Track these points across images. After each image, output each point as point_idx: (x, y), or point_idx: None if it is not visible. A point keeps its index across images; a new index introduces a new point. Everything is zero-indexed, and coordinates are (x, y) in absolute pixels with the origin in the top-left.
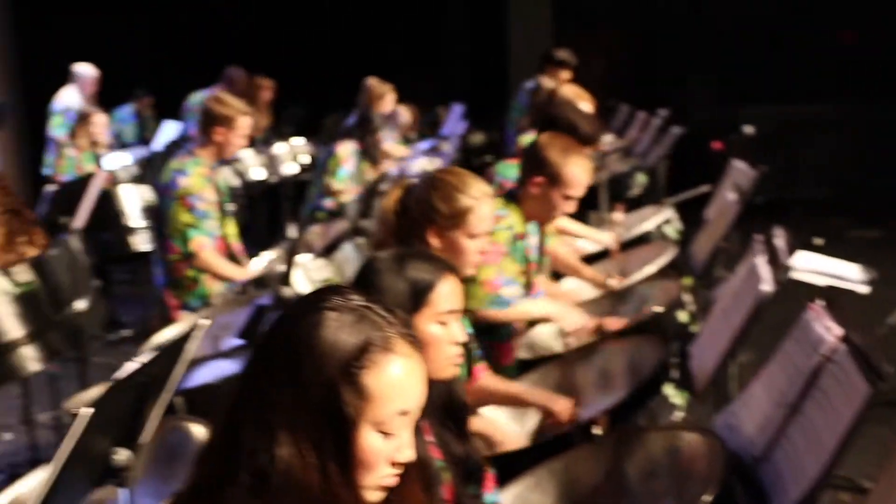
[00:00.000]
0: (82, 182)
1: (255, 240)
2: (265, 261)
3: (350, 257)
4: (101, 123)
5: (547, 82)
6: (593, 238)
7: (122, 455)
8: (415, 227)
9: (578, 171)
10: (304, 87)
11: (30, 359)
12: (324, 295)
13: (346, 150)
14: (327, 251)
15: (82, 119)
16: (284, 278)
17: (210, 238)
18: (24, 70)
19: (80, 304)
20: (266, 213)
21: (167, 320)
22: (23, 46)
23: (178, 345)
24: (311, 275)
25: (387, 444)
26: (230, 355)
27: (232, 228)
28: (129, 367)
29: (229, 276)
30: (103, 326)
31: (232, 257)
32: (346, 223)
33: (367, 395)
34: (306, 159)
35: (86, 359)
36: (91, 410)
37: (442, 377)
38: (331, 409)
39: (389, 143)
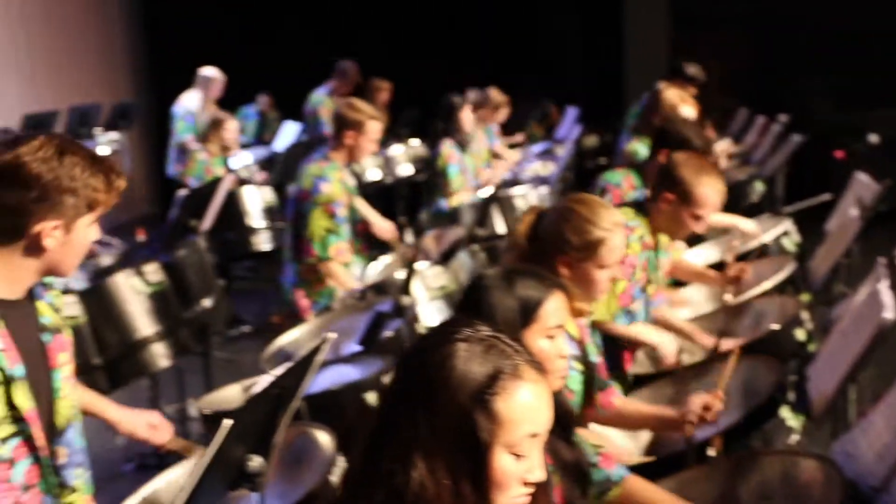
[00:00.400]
0: (211, 186)
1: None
2: (382, 265)
3: (465, 265)
4: (233, 129)
5: (667, 90)
6: (739, 226)
7: (255, 461)
8: (545, 256)
9: (710, 193)
10: (420, 89)
11: (160, 355)
12: (454, 327)
13: (447, 148)
14: (444, 258)
15: (215, 125)
16: (405, 287)
17: (346, 243)
18: (151, 72)
19: (207, 303)
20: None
21: (297, 319)
22: (150, 49)
23: (308, 358)
24: (427, 282)
25: (519, 466)
26: (350, 361)
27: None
28: (265, 379)
29: (349, 287)
30: (226, 323)
31: (359, 253)
32: (462, 229)
33: (499, 420)
34: (421, 161)
35: (209, 354)
36: (231, 422)
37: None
38: (465, 434)
39: (498, 145)
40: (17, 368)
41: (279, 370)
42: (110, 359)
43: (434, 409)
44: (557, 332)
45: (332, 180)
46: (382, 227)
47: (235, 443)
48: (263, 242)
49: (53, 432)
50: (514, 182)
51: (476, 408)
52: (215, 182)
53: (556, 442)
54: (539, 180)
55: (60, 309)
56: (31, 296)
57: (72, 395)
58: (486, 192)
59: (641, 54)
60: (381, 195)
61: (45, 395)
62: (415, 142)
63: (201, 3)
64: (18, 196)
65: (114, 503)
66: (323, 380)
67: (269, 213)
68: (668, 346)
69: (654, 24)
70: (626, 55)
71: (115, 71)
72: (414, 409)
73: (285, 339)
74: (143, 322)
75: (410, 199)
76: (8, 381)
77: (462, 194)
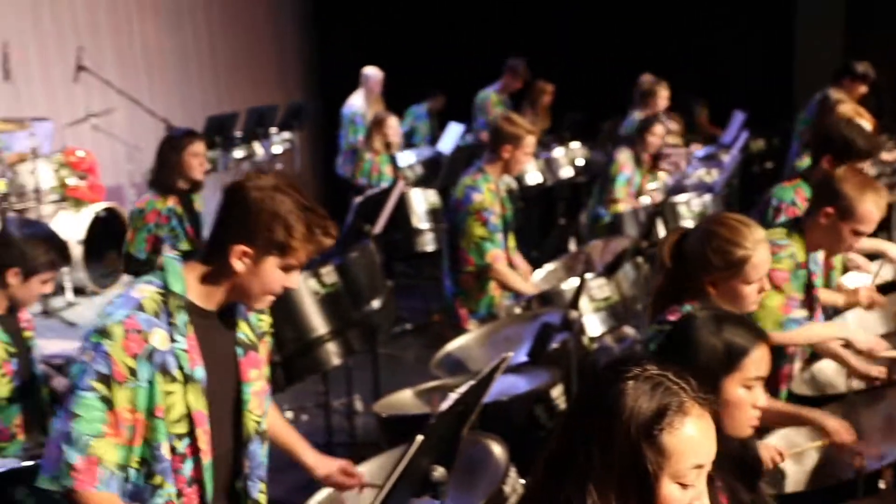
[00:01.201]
0: (385, 193)
1: (527, 240)
2: (545, 273)
3: (630, 277)
4: (394, 126)
5: (836, 95)
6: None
7: (439, 471)
8: (690, 275)
9: (872, 208)
10: (583, 92)
11: (332, 354)
12: (624, 366)
13: (624, 156)
14: (608, 270)
15: (377, 123)
16: (574, 302)
17: (501, 251)
18: (321, 74)
19: (376, 304)
20: (539, 214)
21: (457, 329)
22: (321, 52)
23: (488, 376)
24: (592, 293)
25: (684, 495)
26: (517, 371)
27: (511, 241)
28: (451, 397)
29: (519, 289)
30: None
31: (512, 268)
32: (626, 240)
33: (666, 453)
34: (582, 163)
35: (376, 352)
36: (422, 438)
37: (739, 435)
38: (635, 465)
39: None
40: (198, 371)
41: (462, 388)
42: (287, 356)
43: (606, 443)
44: (756, 382)
45: (483, 190)
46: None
47: (423, 455)
48: (427, 243)
49: (239, 443)
50: (678, 189)
51: (644, 441)
52: (388, 190)
53: (737, 485)
54: (703, 187)
55: (261, 329)
56: (233, 311)
57: (259, 411)
58: (647, 199)
59: (813, 55)
60: (542, 197)
61: (231, 405)
62: (576, 144)
63: (370, 7)
64: (235, 214)
65: None
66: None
67: (434, 214)
68: (854, 333)
69: (828, 23)
70: (795, 55)
71: (289, 74)
72: (588, 441)
73: (452, 345)
74: (317, 321)
75: (571, 202)
76: (186, 381)
77: (623, 202)
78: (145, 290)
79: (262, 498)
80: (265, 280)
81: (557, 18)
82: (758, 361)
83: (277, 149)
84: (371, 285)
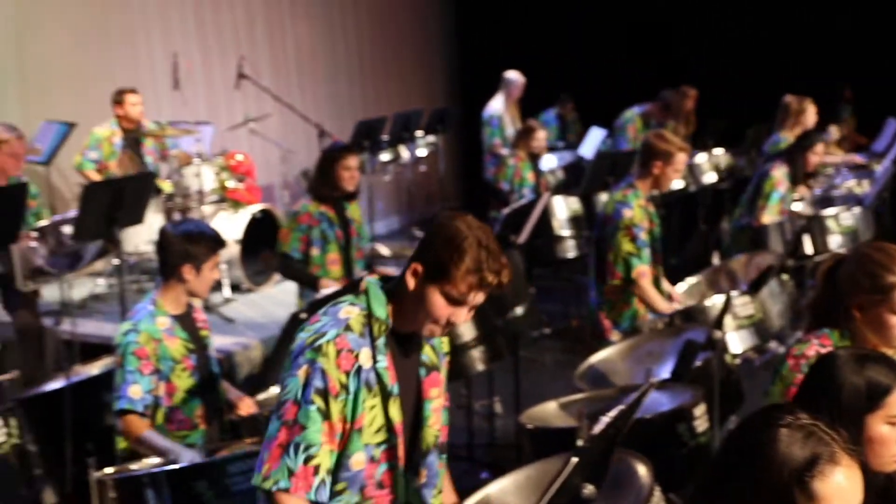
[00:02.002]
0: (530, 204)
1: (667, 246)
2: (687, 286)
3: (775, 295)
4: (541, 138)
5: None
6: None
7: (589, 489)
8: (839, 298)
9: None
10: (727, 98)
11: (477, 360)
12: (777, 413)
13: (781, 173)
14: (752, 287)
15: (525, 132)
16: (718, 321)
17: (647, 266)
18: (464, 78)
19: (519, 310)
20: (680, 220)
21: (600, 340)
22: (464, 56)
23: (638, 400)
24: (735, 311)
25: None
26: (661, 388)
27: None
28: (604, 420)
29: (659, 308)
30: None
31: (656, 282)
32: (771, 256)
33: (816, 499)
34: (725, 169)
35: (517, 356)
36: (577, 460)
37: (884, 470)
38: None
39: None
40: (395, 387)
41: (613, 413)
42: None
43: (758, 486)
44: None
45: (634, 206)
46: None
47: (575, 474)
48: (569, 250)
49: (418, 454)
50: (825, 201)
51: (795, 487)
52: (534, 201)
53: None
54: (853, 199)
55: (443, 350)
56: (419, 335)
57: (438, 425)
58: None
59: None
60: (684, 203)
61: (414, 420)
62: (719, 150)
63: (510, 15)
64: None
65: None
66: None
67: (575, 221)
68: None
69: None
70: None
71: (434, 79)
72: (740, 483)
73: (595, 358)
74: (464, 328)
75: (712, 208)
76: (387, 396)
77: (768, 216)
78: (351, 311)
79: (437, 502)
80: (428, 304)
81: (700, 24)
82: None
83: (422, 151)
84: (515, 292)
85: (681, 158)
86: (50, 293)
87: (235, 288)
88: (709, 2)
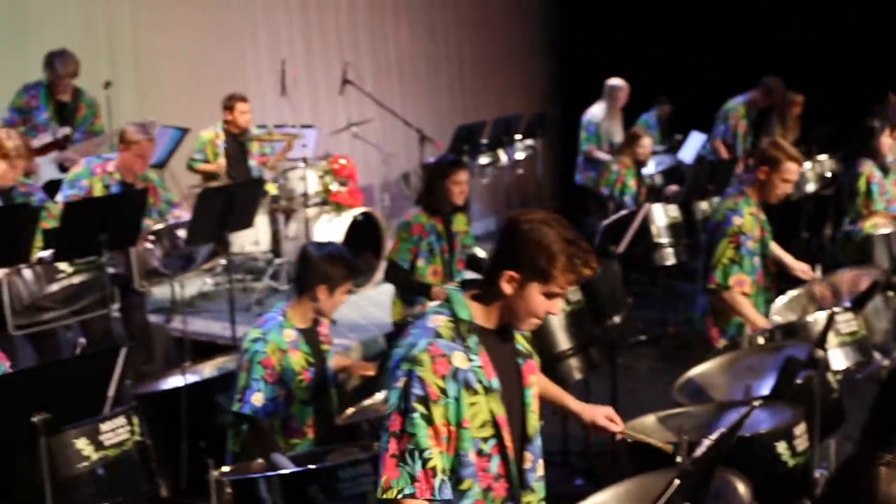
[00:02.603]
0: (630, 216)
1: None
2: (788, 299)
3: (879, 311)
4: (647, 146)
5: None
6: None
7: None
8: None
9: None
10: (834, 104)
11: (575, 369)
12: (877, 451)
13: (868, 167)
14: (856, 303)
15: (631, 139)
16: (821, 340)
17: (751, 276)
18: (562, 85)
19: (617, 319)
20: (781, 228)
21: (706, 347)
22: (563, 60)
23: (738, 424)
24: (838, 327)
25: None
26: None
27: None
28: (705, 443)
29: (751, 320)
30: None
31: (766, 289)
32: (876, 271)
33: None
34: (829, 176)
35: (615, 362)
36: (679, 482)
37: None
38: None
39: None
40: (494, 381)
41: (715, 436)
42: None
43: None
44: None
45: (744, 214)
46: (798, 267)
47: (677, 494)
48: (667, 257)
49: (524, 440)
50: None
51: None
52: (634, 212)
53: None
54: None
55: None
56: (509, 327)
57: (538, 411)
58: None
59: None
60: (785, 211)
61: (518, 407)
62: (823, 157)
63: (609, 18)
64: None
65: None
66: (728, 421)
67: (674, 229)
68: None
69: None
70: None
71: (533, 84)
72: None
73: (694, 371)
74: (562, 337)
75: (815, 215)
76: (486, 391)
77: (878, 219)
78: (438, 319)
79: (539, 486)
80: (529, 303)
81: (804, 25)
82: None
83: (520, 155)
84: (613, 301)
85: (789, 167)
86: (160, 291)
87: None
88: (812, 2)
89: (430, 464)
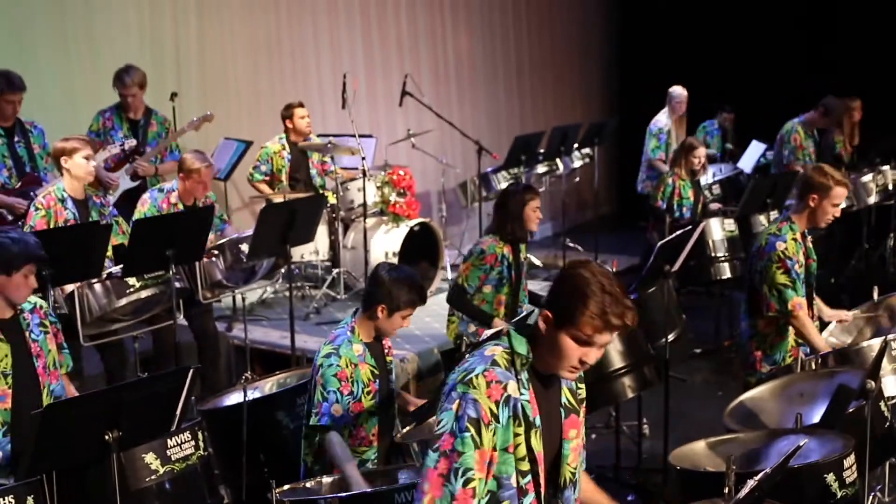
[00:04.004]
0: (686, 235)
1: (828, 267)
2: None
3: None
4: (700, 156)
5: None
6: None
7: None
8: None
9: None
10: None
11: (627, 387)
12: None
13: None
14: None
15: (685, 149)
16: (873, 371)
17: (803, 299)
18: (622, 95)
19: (671, 337)
20: (842, 239)
21: (749, 371)
22: (622, 74)
23: (784, 463)
24: (893, 353)
25: None
26: (811, 433)
27: (811, 293)
28: (749, 484)
29: (815, 343)
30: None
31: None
32: None
33: None
34: (891, 187)
35: (667, 377)
36: None
37: None
38: None
39: None
40: (537, 419)
41: (760, 476)
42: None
43: None
44: None
45: (787, 238)
46: (834, 315)
47: None
48: (723, 272)
49: (556, 488)
50: None
51: None
52: (690, 231)
53: None
54: None
55: (581, 395)
56: (558, 378)
57: (575, 463)
58: None
59: None
60: (847, 222)
61: (554, 457)
62: (885, 167)
63: (671, 27)
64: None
65: None
66: (782, 450)
67: (730, 243)
68: None
69: None
70: None
71: (592, 93)
72: None
73: (746, 396)
74: (615, 356)
75: (877, 226)
76: (529, 426)
77: None
78: (496, 350)
79: None
80: (558, 347)
81: (866, 34)
82: None
83: (577, 163)
84: (667, 320)
85: (839, 192)
86: (222, 298)
87: None
88: (875, 11)
89: (472, 484)
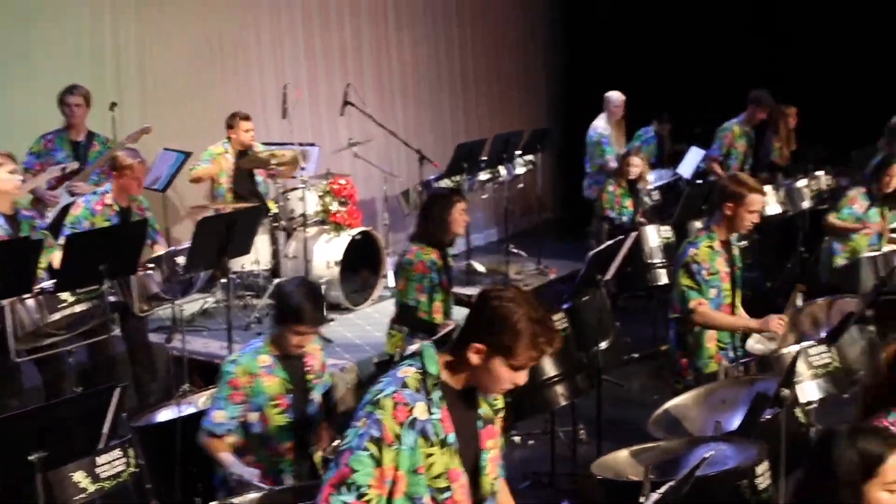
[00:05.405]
0: (618, 245)
1: (764, 271)
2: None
3: (855, 342)
4: (636, 164)
5: None
6: None
7: None
8: None
9: None
10: (831, 121)
11: (560, 395)
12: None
13: (856, 192)
14: (831, 337)
15: (622, 158)
16: (786, 379)
17: (709, 301)
18: (565, 98)
19: (603, 344)
20: (777, 245)
21: (677, 378)
22: (566, 77)
23: (689, 475)
24: (811, 360)
25: None
26: (728, 440)
27: (738, 300)
28: (652, 497)
29: (729, 325)
30: (619, 362)
31: None
32: (853, 302)
33: None
34: (826, 193)
35: (600, 382)
36: None
37: None
38: None
39: None
40: (450, 437)
41: (664, 489)
42: (517, 396)
43: None
44: None
45: (700, 247)
46: (761, 327)
47: None
48: (659, 278)
49: (477, 499)
50: None
51: None
52: (622, 241)
53: None
54: None
55: (497, 406)
56: (475, 391)
57: (493, 474)
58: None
59: None
60: (782, 227)
61: (472, 468)
62: (819, 173)
63: (613, 36)
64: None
65: None
66: (697, 457)
67: (667, 249)
68: None
69: None
70: None
71: (535, 101)
72: None
73: (670, 403)
74: (548, 365)
75: (811, 232)
76: (442, 445)
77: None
78: (408, 371)
79: None
80: (494, 375)
81: (805, 45)
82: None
83: (520, 170)
84: (599, 329)
85: (753, 199)
86: (161, 310)
87: (334, 308)
88: (816, 21)
89: (366, 498)
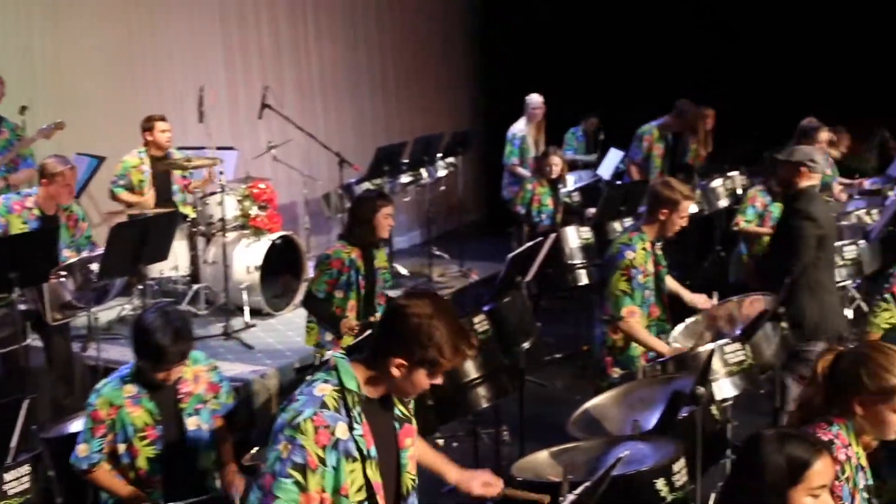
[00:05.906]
0: (537, 246)
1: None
2: (686, 325)
3: (769, 338)
4: (556, 163)
5: None
6: None
7: None
8: (840, 393)
9: None
10: (751, 123)
11: (482, 397)
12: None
13: (755, 190)
14: (745, 334)
15: (543, 156)
16: (701, 377)
17: (642, 308)
18: (486, 101)
19: (525, 345)
20: (695, 243)
21: (601, 376)
22: (487, 78)
23: (605, 475)
24: (726, 357)
25: None
26: (645, 438)
27: (664, 297)
28: (569, 499)
29: (650, 346)
30: (540, 362)
31: (661, 320)
32: (766, 301)
33: None
34: (741, 192)
35: (523, 383)
36: None
37: None
38: None
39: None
40: (372, 450)
41: (579, 490)
42: (439, 399)
43: None
44: (822, 491)
45: (637, 249)
46: (696, 300)
47: None
48: (580, 278)
49: (399, 498)
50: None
51: None
52: (541, 243)
53: None
54: (859, 231)
55: (408, 403)
56: (389, 396)
57: (414, 471)
58: None
59: None
60: (700, 226)
61: (393, 468)
62: (734, 173)
63: (535, 37)
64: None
65: None
66: (615, 456)
67: (587, 250)
68: None
69: None
70: None
71: (457, 103)
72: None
73: (590, 404)
74: (469, 367)
75: (728, 230)
76: (364, 459)
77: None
78: (325, 388)
79: None
80: (415, 384)
81: (719, 46)
82: (820, 472)
83: (441, 172)
84: (521, 329)
85: (686, 206)
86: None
87: (255, 313)
88: (734, 24)
89: None
